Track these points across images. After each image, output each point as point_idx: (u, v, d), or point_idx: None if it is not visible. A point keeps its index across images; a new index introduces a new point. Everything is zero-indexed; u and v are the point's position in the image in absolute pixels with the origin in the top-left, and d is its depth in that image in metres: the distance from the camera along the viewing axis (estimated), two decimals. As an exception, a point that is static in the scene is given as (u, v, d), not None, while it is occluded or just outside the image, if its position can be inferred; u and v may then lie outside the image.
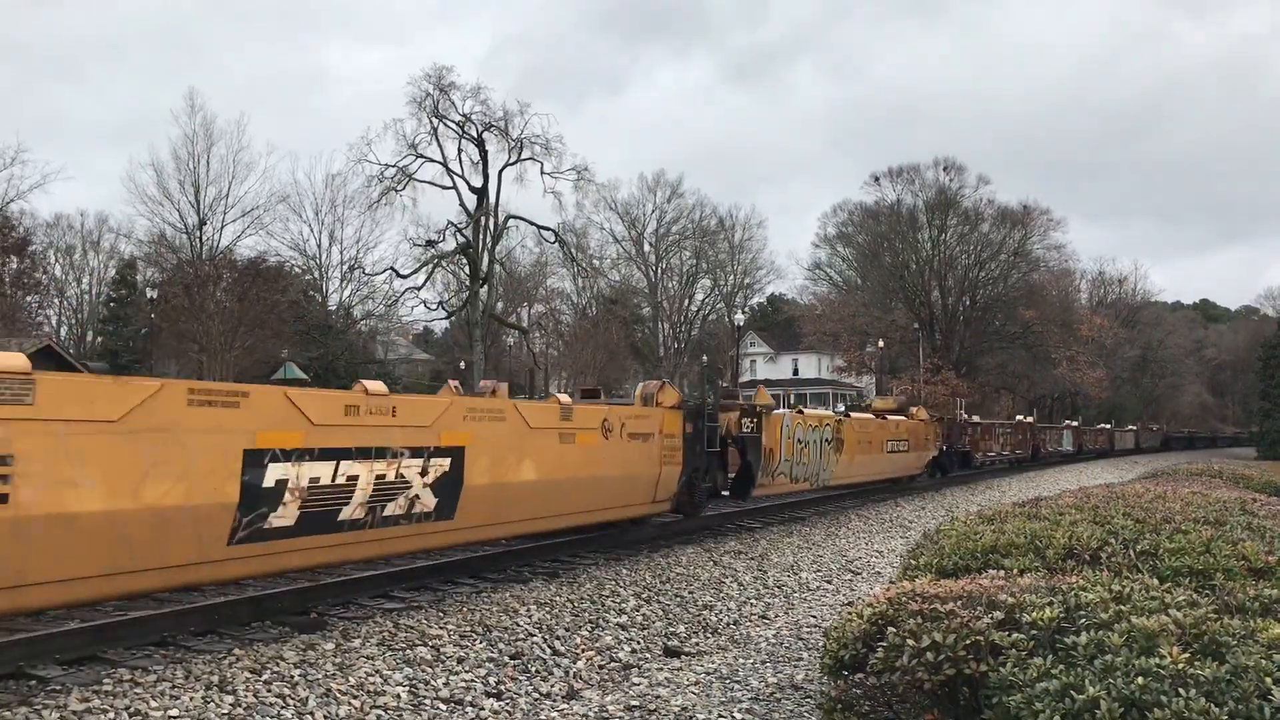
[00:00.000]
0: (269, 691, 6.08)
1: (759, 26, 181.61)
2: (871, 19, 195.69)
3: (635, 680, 7.34)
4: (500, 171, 59.47)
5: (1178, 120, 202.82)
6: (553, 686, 7.10)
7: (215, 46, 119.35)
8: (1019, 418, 44.09)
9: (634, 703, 6.62)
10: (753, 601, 10.63)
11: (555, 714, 6.48)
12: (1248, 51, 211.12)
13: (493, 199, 59.67)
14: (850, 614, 5.00)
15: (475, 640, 7.67)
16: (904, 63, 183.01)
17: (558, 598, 9.25)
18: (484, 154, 59.07)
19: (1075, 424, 56.70)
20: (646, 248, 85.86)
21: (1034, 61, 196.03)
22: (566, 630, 8.35)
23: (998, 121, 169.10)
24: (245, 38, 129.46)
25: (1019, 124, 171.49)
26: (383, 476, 7.92)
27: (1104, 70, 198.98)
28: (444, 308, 65.72)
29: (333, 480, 7.47)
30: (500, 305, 68.64)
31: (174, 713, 5.61)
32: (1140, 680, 3.58)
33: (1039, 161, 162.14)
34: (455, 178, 59.40)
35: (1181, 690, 3.50)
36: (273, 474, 6.99)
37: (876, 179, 75.03)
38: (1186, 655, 3.74)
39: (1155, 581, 5.02)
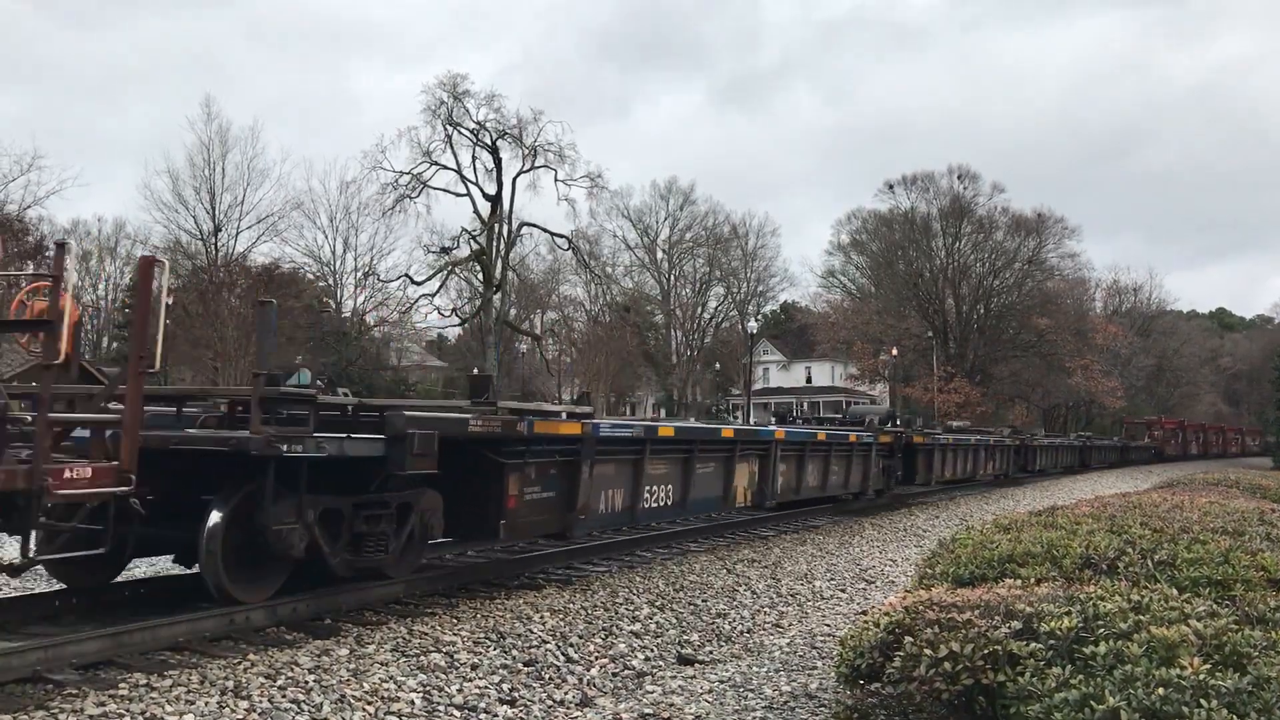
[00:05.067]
0: (283, 697, 6.09)
1: (751, 55, 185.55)
2: (860, 49, 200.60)
3: (649, 688, 7.32)
4: (514, 179, 59.68)
5: (1161, 142, 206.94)
6: (566, 694, 7.08)
7: (242, 68, 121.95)
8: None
9: (648, 711, 6.60)
10: (766, 610, 10.60)
11: (569, 721, 6.47)
12: (1227, 77, 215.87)
13: (506, 206, 59.86)
14: (866, 622, 4.97)
15: (489, 647, 7.67)
16: (893, 89, 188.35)
17: (571, 605, 9.24)
18: (498, 161, 59.29)
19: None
20: (659, 255, 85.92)
21: (1020, 88, 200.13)
22: (580, 637, 8.34)
23: (987, 143, 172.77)
24: (269, 62, 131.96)
25: (1007, 145, 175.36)
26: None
27: (1088, 96, 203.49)
28: (457, 315, 65.87)
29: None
30: (513, 312, 68.73)
31: (189, 718, 5.62)
32: (1161, 691, 3.56)
33: (1028, 178, 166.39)
34: (469, 185, 59.63)
35: (1203, 701, 3.48)
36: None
37: (890, 186, 74.83)
38: (1207, 666, 3.71)
39: (1174, 592, 4.99)
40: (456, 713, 6.39)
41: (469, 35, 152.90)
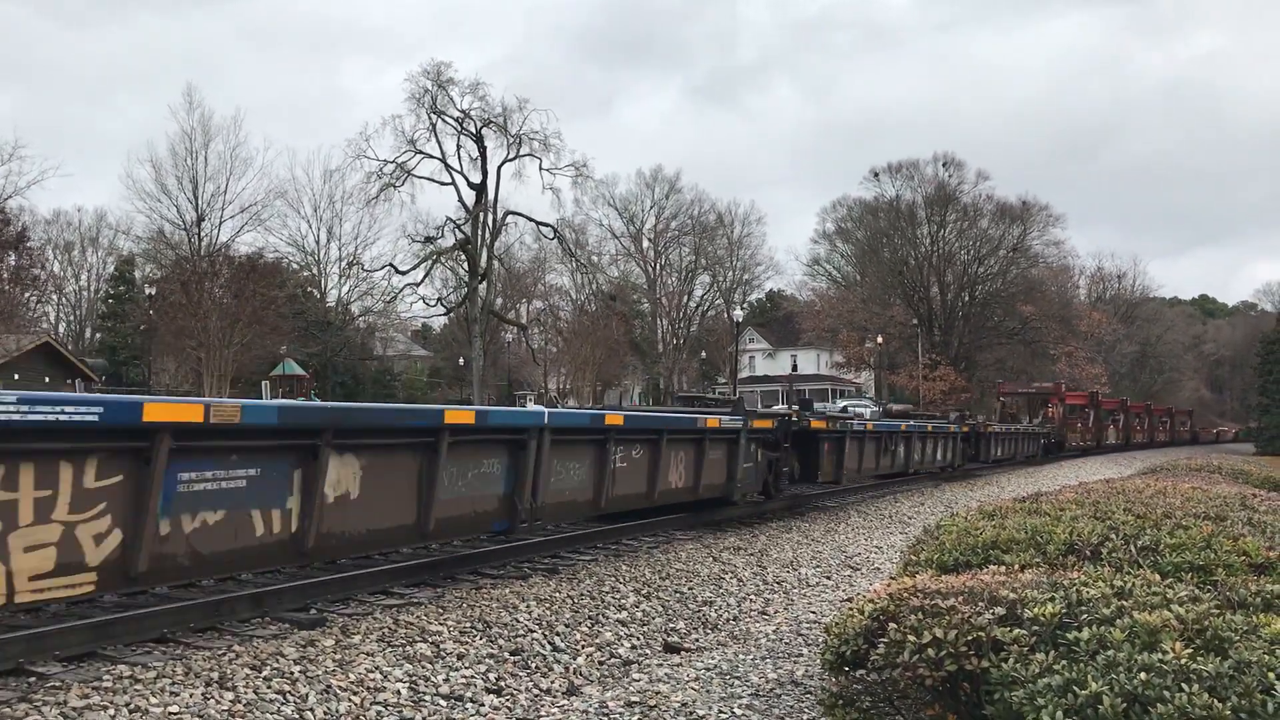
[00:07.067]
0: (269, 688, 6.07)
1: (731, 54, 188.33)
2: (837, 49, 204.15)
3: (635, 676, 7.34)
4: (499, 167, 59.54)
5: (1136, 137, 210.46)
6: (553, 683, 7.09)
7: (235, 67, 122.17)
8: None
9: (634, 699, 6.61)
10: (752, 597, 10.63)
11: (555, 710, 6.48)
12: (1199, 72, 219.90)
13: (491, 195, 59.69)
14: (851, 610, 4.98)
15: (475, 636, 7.66)
16: (871, 87, 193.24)
17: (557, 594, 9.24)
18: (483, 150, 59.13)
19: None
20: (645, 244, 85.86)
21: (996, 86, 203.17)
22: (566, 626, 8.34)
23: (965, 138, 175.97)
24: (262, 61, 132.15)
25: (985, 141, 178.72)
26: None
27: (1064, 93, 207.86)
28: (443, 304, 65.69)
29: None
30: (499, 301, 68.60)
31: (174, 709, 5.60)
32: (1143, 676, 3.58)
33: (1007, 173, 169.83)
34: (454, 174, 59.46)
35: (1184, 685, 3.50)
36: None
37: (876, 174, 75.03)
38: (1189, 650, 3.73)
39: (1157, 577, 5.01)
40: (443, 702, 6.38)
41: (456, 34, 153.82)
